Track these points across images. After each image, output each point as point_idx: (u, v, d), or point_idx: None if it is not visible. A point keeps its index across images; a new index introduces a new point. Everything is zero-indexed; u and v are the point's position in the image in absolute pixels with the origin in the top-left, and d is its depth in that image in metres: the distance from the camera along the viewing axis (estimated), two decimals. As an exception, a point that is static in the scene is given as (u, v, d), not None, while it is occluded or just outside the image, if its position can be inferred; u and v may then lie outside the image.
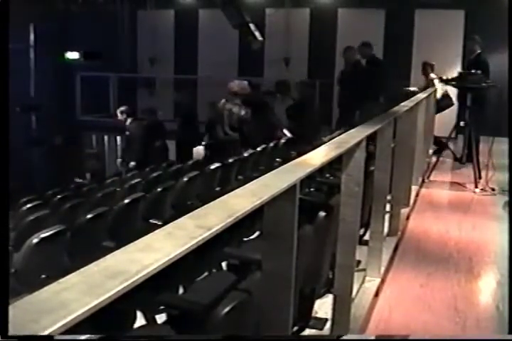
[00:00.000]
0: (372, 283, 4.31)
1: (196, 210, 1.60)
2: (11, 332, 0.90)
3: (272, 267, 2.10)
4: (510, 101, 7.50)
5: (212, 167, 7.00)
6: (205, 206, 1.65)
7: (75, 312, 0.97)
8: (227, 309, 1.99)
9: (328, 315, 3.68)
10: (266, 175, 2.11)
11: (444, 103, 10.88)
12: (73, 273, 1.11)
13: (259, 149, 8.55)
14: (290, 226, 2.03)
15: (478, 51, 9.75)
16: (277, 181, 1.99)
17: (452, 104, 10.97)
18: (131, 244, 1.29)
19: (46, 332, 0.90)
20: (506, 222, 5.70)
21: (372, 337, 3.70)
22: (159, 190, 6.04)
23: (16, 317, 0.96)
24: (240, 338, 2.22)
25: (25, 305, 1.00)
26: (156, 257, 1.21)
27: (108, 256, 1.22)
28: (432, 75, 11.03)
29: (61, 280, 1.08)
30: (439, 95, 10.64)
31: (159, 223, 5.35)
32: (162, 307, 3.28)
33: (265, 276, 2.15)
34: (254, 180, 2.01)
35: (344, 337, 3.45)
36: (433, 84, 10.75)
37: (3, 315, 1.33)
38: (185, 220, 1.51)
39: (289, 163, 2.37)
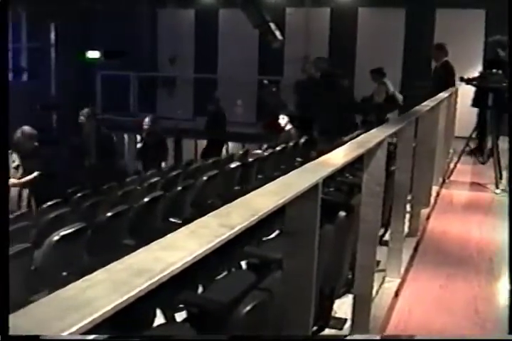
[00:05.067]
0: (392, 284, 4.30)
1: (219, 209, 1.60)
2: (35, 330, 0.90)
3: (293, 266, 2.09)
4: (510, 101, 7.43)
5: (232, 166, 7.01)
6: (228, 205, 1.65)
7: (101, 309, 0.97)
8: (248, 308, 1.99)
9: (348, 315, 3.67)
10: (288, 174, 2.10)
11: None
12: (98, 271, 1.12)
13: (278, 148, 8.55)
14: (312, 225, 2.03)
15: (499, 50, 9.68)
16: (300, 180, 1.99)
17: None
18: (155, 242, 1.30)
19: (72, 330, 0.90)
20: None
21: (378, 337, 3.69)
22: (179, 188, 6.06)
23: (41, 314, 0.96)
24: (250, 338, 2.22)
25: (51, 302, 1.00)
26: (180, 255, 1.21)
27: (132, 254, 1.22)
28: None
29: (86, 277, 1.08)
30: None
31: (179, 222, 5.37)
32: (181, 305, 3.29)
33: (286, 275, 2.15)
34: (277, 179, 2.01)
35: (350, 337, 3.44)
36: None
37: (4, 315, 1.34)
38: (208, 219, 1.51)
39: (310, 163, 2.37)
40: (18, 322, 0.94)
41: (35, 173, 8.00)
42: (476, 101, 9.44)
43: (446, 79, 10.65)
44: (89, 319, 0.94)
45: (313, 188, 1.98)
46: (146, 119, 11.51)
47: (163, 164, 11.30)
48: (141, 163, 11.52)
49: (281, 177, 2.05)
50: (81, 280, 1.07)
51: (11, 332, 0.91)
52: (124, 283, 1.07)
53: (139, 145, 11.74)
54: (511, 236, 4.55)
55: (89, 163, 9.92)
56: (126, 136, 16.19)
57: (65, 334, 0.90)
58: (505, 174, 7.79)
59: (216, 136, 12.82)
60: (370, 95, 12.26)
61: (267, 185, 1.91)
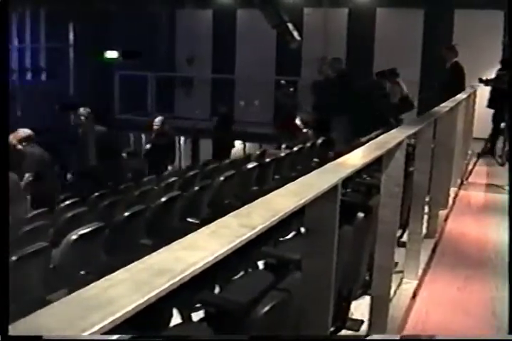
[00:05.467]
0: (409, 285, 4.28)
1: (239, 209, 1.60)
2: (57, 329, 0.91)
3: (312, 267, 2.09)
4: (510, 101, 7.39)
5: (249, 166, 7.01)
6: (248, 205, 1.65)
7: (123, 309, 0.97)
8: (266, 308, 1.99)
9: (364, 317, 3.66)
10: (307, 175, 2.10)
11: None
12: (119, 271, 1.12)
13: (296, 149, 8.55)
14: (331, 226, 2.02)
15: None
16: (319, 181, 1.98)
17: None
18: (176, 242, 1.30)
19: (94, 330, 0.90)
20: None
21: (398, 337, 3.67)
22: (196, 188, 6.07)
23: (63, 313, 0.96)
24: (269, 338, 2.22)
25: (73, 301, 1.01)
26: (201, 255, 1.21)
27: (153, 254, 1.22)
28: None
29: (107, 277, 1.08)
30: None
31: (196, 222, 5.38)
32: (198, 305, 3.29)
33: (305, 276, 2.14)
34: (297, 180, 2.00)
35: (370, 337, 3.43)
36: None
37: (4, 315, 1.34)
38: (228, 219, 1.51)
39: (330, 163, 2.36)
40: (40, 321, 0.94)
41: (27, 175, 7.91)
42: (491, 102, 9.41)
43: (455, 79, 10.62)
44: (111, 319, 0.94)
45: (333, 189, 1.98)
46: (157, 119, 11.41)
47: (169, 167, 11.10)
48: (147, 165, 11.38)
49: (300, 178, 2.04)
50: (102, 279, 1.08)
51: (33, 332, 0.92)
52: (146, 283, 1.07)
53: (147, 147, 11.59)
54: (511, 236, 4.53)
55: (87, 164, 9.83)
56: (143, 136, 16.25)
57: (86, 334, 0.90)
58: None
59: (223, 136, 12.74)
60: (385, 93, 12.21)
61: (286, 186, 1.91)
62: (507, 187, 7.39)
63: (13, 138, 7.89)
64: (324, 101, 11.56)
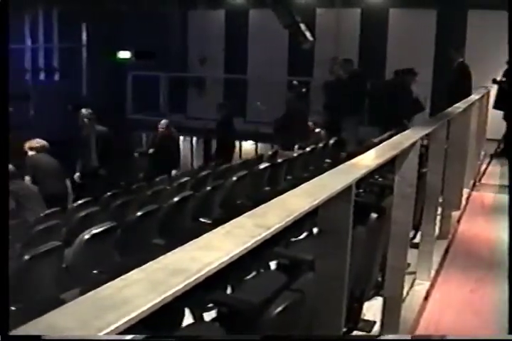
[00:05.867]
0: (421, 287, 4.27)
1: (254, 209, 1.60)
2: (73, 329, 0.91)
3: (325, 267, 2.09)
4: (510, 101, 7.34)
5: (261, 166, 7.01)
6: (263, 205, 1.65)
7: (139, 308, 0.97)
8: (279, 309, 1.99)
9: (377, 318, 3.65)
10: (321, 175, 2.10)
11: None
12: (134, 270, 1.12)
13: (308, 149, 8.54)
14: (345, 226, 2.02)
15: None
16: (333, 181, 1.98)
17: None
18: (191, 242, 1.30)
19: (110, 329, 0.90)
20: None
21: (409, 337, 3.66)
22: (208, 188, 6.07)
23: (78, 313, 0.97)
24: (283, 338, 2.22)
25: (88, 301, 1.01)
26: (216, 256, 1.21)
27: (168, 254, 1.22)
28: None
29: (123, 276, 1.08)
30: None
31: (208, 222, 5.38)
32: (210, 305, 3.29)
33: (318, 276, 2.14)
34: (311, 180, 2.00)
35: (381, 337, 3.43)
36: None
37: (4, 315, 1.34)
38: (243, 219, 1.51)
39: (343, 164, 2.36)
40: (56, 320, 0.94)
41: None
42: (498, 104, 9.36)
43: (461, 80, 10.59)
44: (126, 319, 0.94)
45: (347, 189, 1.97)
46: (162, 122, 11.25)
47: (173, 172, 10.86)
48: (151, 169, 11.11)
49: (314, 178, 2.04)
50: (117, 279, 1.08)
51: (48, 331, 0.92)
52: (161, 283, 1.08)
53: (151, 150, 11.34)
54: (511, 236, 4.51)
55: (89, 165, 9.79)
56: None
57: (101, 334, 0.91)
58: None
59: (224, 138, 12.61)
60: (410, 92, 12.16)
61: (301, 186, 1.90)
62: (507, 188, 7.38)
63: (26, 146, 8.39)
64: (335, 101, 11.56)
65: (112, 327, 0.91)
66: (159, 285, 1.07)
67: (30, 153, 8.38)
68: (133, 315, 0.96)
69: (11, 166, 7.10)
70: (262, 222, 1.46)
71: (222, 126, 12.17)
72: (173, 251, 1.24)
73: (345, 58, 12.89)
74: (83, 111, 10.42)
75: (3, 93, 2.53)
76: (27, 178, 7.99)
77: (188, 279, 1.10)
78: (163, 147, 11.07)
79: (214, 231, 1.41)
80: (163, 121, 11.32)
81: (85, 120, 10.21)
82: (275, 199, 1.71)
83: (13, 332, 0.93)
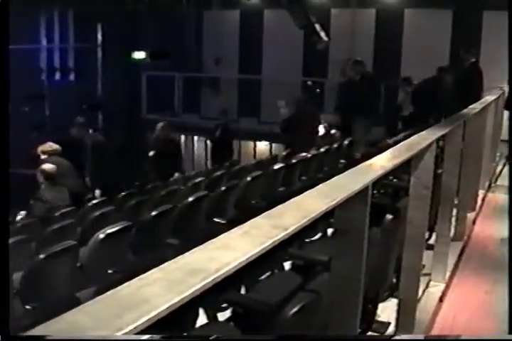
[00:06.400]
0: (436, 288, 4.25)
1: (271, 210, 1.60)
2: (93, 328, 0.91)
3: (341, 268, 2.09)
4: (510, 101, 7.29)
5: (276, 167, 7.01)
6: (280, 206, 1.65)
7: (158, 308, 0.97)
8: (295, 309, 1.99)
9: (391, 319, 3.64)
10: (338, 176, 2.10)
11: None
12: (153, 270, 1.12)
13: (322, 150, 8.52)
14: (361, 227, 2.02)
15: None
16: (350, 182, 1.98)
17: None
18: (208, 242, 1.30)
19: (129, 328, 0.91)
20: None
21: (423, 337, 3.65)
22: (223, 188, 6.07)
23: (98, 312, 0.97)
24: (299, 338, 2.21)
25: (108, 300, 1.01)
26: (234, 256, 1.22)
27: (186, 254, 1.22)
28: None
29: (141, 276, 1.09)
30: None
31: (223, 222, 5.39)
32: (225, 305, 3.29)
33: (333, 277, 2.14)
34: (327, 181, 2.00)
35: (396, 337, 3.42)
36: None
37: (4, 315, 1.34)
38: (260, 220, 1.51)
39: (360, 165, 2.36)
40: (76, 319, 0.95)
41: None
42: (509, 104, 9.32)
43: (471, 80, 10.55)
44: (146, 318, 0.94)
45: (363, 191, 1.97)
46: (158, 125, 10.99)
47: (176, 174, 10.56)
48: (151, 173, 10.89)
49: (331, 179, 2.04)
50: (136, 278, 1.08)
51: (68, 330, 0.92)
52: (180, 283, 1.08)
53: (150, 154, 10.98)
54: (511, 236, 4.47)
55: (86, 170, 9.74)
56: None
57: (120, 333, 0.91)
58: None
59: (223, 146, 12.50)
60: (397, 105, 12.25)
61: (317, 187, 1.90)
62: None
63: (39, 150, 8.48)
64: (345, 102, 11.55)
65: (132, 327, 0.92)
66: (178, 284, 1.07)
67: (43, 156, 8.42)
68: (152, 314, 0.96)
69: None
70: (279, 222, 1.47)
71: (222, 135, 12.10)
72: (191, 251, 1.24)
73: (356, 60, 12.87)
74: (78, 118, 10.34)
75: (3, 93, 2.54)
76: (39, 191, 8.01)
77: (206, 279, 1.10)
78: (162, 150, 10.77)
79: (231, 231, 1.41)
80: (160, 124, 11.04)
81: (74, 129, 10.12)
82: (292, 199, 1.71)
83: (31, 332, 0.93)
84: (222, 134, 12.14)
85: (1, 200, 2.62)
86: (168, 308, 0.99)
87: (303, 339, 2.20)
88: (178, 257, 1.20)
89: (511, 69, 8.17)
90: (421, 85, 11.65)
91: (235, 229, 1.42)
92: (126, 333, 0.90)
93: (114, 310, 0.96)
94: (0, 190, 2.66)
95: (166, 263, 1.17)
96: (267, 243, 1.32)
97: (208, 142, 13.95)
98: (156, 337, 1.24)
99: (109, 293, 1.02)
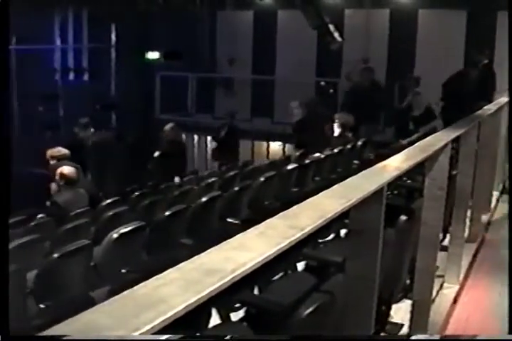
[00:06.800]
0: (450, 290, 4.24)
1: (286, 210, 1.60)
2: (112, 327, 0.91)
3: (356, 269, 2.08)
4: (510, 102, 7.24)
5: (289, 167, 7.00)
6: (295, 206, 1.65)
7: (175, 308, 0.98)
8: (310, 310, 1.99)
9: (404, 321, 3.64)
10: (353, 177, 2.09)
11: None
12: (170, 269, 1.12)
13: (336, 150, 8.51)
14: (376, 228, 2.02)
15: None
16: (365, 183, 1.98)
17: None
18: (225, 242, 1.30)
19: (147, 328, 0.91)
20: None
21: (438, 337, 3.64)
22: (236, 189, 6.08)
23: (116, 311, 0.97)
24: (314, 338, 2.21)
25: (125, 299, 1.01)
26: (250, 256, 1.22)
27: (203, 254, 1.23)
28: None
29: (159, 275, 1.09)
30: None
31: (237, 222, 5.39)
32: (237, 305, 3.30)
33: (348, 278, 2.14)
34: (342, 182, 2.00)
35: (413, 337, 3.41)
36: None
37: (4, 316, 1.34)
38: (276, 220, 1.51)
39: (375, 166, 2.35)
40: (94, 318, 0.95)
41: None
42: None
43: (484, 81, 10.50)
44: (164, 317, 0.95)
45: (379, 191, 1.97)
46: (167, 126, 10.91)
47: (176, 179, 10.31)
48: (154, 175, 10.72)
49: (346, 180, 2.04)
50: (153, 278, 1.08)
51: (86, 330, 0.92)
52: (197, 282, 1.08)
53: (155, 154, 10.90)
54: (511, 236, 4.45)
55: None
56: (183, 136, 16.33)
57: (138, 333, 0.91)
58: None
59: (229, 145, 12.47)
60: (405, 106, 12.22)
61: (333, 187, 1.90)
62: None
63: (48, 154, 8.47)
64: (351, 107, 11.56)
65: (149, 326, 0.92)
66: (195, 284, 1.07)
67: (52, 162, 8.40)
68: (169, 314, 0.96)
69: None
70: (294, 223, 1.47)
71: (228, 136, 12.10)
72: (207, 251, 1.24)
73: (367, 66, 12.95)
74: (82, 120, 10.29)
75: (3, 92, 2.55)
76: (53, 186, 8.01)
77: (223, 279, 1.10)
78: (168, 151, 10.71)
79: (247, 231, 1.41)
80: (169, 125, 10.97)
81: (76, 128, 10.08)
82: (307, 200, 1.71)
83: (48, 332, 0.93)
84: (227, 134, 12.15)
85: (1, 201, 2.63)
86: (185, 308, 0.99)
87: (319, 340, 2.19)
88: (195, 257, 1.20)
89: (510, 69, 8.13)
90: (448, 81, 11.64)
91: (251, 229, 1.42)
92: (143, 333, 0.90)
93: (131, 310, 0.97)
94: (0, 190, 2.67)
95: (182, 263, 1.17)
96: (283, 243, 1.32)
97: (212, 142, 13.88)
98: (175, 337, 1.24)
99: (125, 292, 1.02)
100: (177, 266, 1.15)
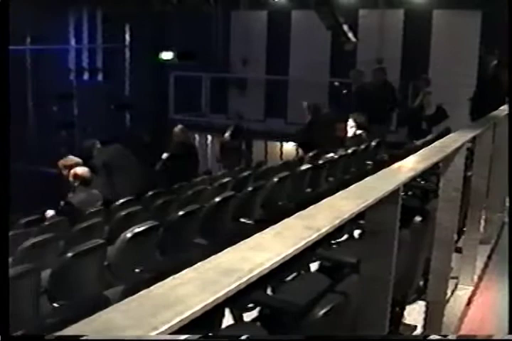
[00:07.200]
0: (464, 291, 4.21)
1: (302, 211, 1.59)
2: (129, 327, 0.91)
3: (370, 270, 2.08)
4: (510, 102, 7.20)
5: (303, 168, 6.99)
6: (311, 207, 1.65)
7: (193, 307, 0.98)
8: (324, 310, 1.98)
9: (417, 322, 3.63)
10: (369, 177, 2.09)
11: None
12: (187, 269, 1.12)
13: (349, 151, 8.49)
14: (391, 229, 2.01)
15: None
16: (381, 184, 1.97)
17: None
18: (241, 242, 1.30)
19: (165, 327, 0.91)
20: None
21: (455, 337, 3.62)
22: (249, 189, 6.07)
23: (133, 311, 0.97)
24: (329, 338, 2.21)
25: (142, 299, 1.01)
26: (267, 256, 1.21)
27: (220, 254, 1.22)
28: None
29: (176, 275, 1.09)
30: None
31: (250, 222, 5.39)
32: (251, 305, 3.29)
33: (363, 279, 2.13)
34: (358, 183, 1.99)
35: (430, 337, 3.40)
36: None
37: (4, 316, 1.35)
38: (292, 220, 1.51)
39: (390, 167, 2.35)
40: (111, 318, 0.95)
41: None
42: None
43: (497, 81, 10.47)
44: (181, 317, 0.95)
45: (394, 193, 1.96)
46: (176, 128, 10.69)
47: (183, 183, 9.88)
48: (162, 178, 10.41)
49: (362, 181, 2.03)
50: (170, 278, 1.08)
51: (103, 329, 0.92)
52: (214, 283, 1.08)
53: (164, 156, 10.63)
54: (511, 235, 4.42)
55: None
56: (197, 136, 16.36)
57: (155, 332, 0.91)
58: None
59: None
60: (416, 106, 12.20)
61: (348, 188, 1.90)
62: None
63: (60, 164, 8.23)
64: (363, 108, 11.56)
65: (167, 326, 0.92)
66: (212, 284, 1.07)
67: (65, 172, 8.03)
68: (187, 314, 0.96)
69: None
70: (311, 223, 1.46)
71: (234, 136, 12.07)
72: (224, 251, 1.24)
73: (379, 67, 12.94)
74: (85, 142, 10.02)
75: (3, 92, 2.56)
76: (70, 195, 7.94)
77: (240, 279, 1.10)
78: (177, 154, 10.49)
79: (264, 231, 1.41)
80: (178, 127, 10.74)
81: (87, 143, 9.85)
82: (323, 200, 1.71)
83: (64, 332, 0.93)
84: (231, 136, 12.13)
85: (1, 201, 2.64)
86: (202, 308, 0.99)
87: (336, 340, 2.19)
88: (211, 257, 1.20)
89: (510, 69, 8.11)
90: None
91: (268, 229, 1.42)
92: (160, 333, 0.90)
93: (148, 310, 0.97)
94: (0, 191, 2.68)
95: (199, 263, 1.17)
96: (300, 244, 1.31)
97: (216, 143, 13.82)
98: (194, 337, 1.24)
99: (142, 292, 1.02)
100: (194, 266, 1.15)
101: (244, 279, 1.11)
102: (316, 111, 11.96)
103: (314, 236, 1.38)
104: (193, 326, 1.61)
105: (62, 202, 7.62)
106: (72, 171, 7.61)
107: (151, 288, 1.05)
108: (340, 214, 1.57)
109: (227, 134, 12.17)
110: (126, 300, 1.00)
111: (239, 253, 1.23)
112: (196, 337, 1.26)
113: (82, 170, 7.61)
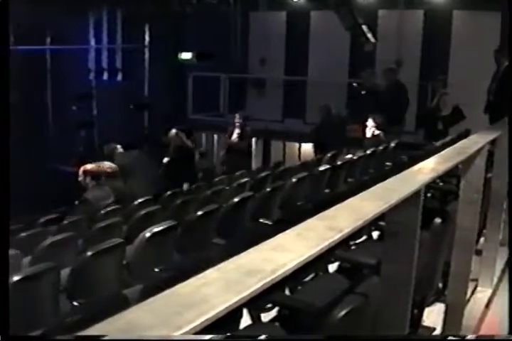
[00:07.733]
0: (483, 294, 4.19)
1: (324, 212, 1.59)
2: (154, 326, 0.92)
3: (391, 271, 2.07)
4: (510, 102, 7.13)
5: (321, 168, 6.99)
6: (333, 208, 1.65)
7: (217, 307, 0.98)
8: (344, 311, 1.98)
9: (436, 324, 3.61)
10: (389, 179, 2.08)
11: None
12: (210, 269, 1.13)
13: (368, 152, 8.47)
14: (412, 231, 2.00)
15: None
16: (402, 186, 1.97)
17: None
18: (264, 243, 1.30)
19: (190, 327, 0.91)
20: None
21: (474, 337, 3.61)
22: (268, 189, 6.08)
23: (157, 310, 0.98)
24: (349, 338, 2.21)
25: (166, 298, 1.02)
26: (290, 257, 1.22)
27: (242, 254, 1.23)
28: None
29: (200, 275, 1.09)
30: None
31: (268, 222, 5.39)
32: (269, 306, 3.29)
33: (383, 280, 2.13)
34: (379, 184, 1.99)
35: (450, 338, 3.39)
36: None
37: (4, 316, 1.35)
38: (314, 221, 1.51)
39: (411, 168, 2.34)
40: (136, 317, 0.96)
41: None
42: None
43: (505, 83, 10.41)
44: (207, 316, 0.95)
45: (416, 194, 1.96)
46: (171, 133, 10.72)
47: (184, 186, 10.10)
48: (163, 182, 10.32)
49: (383, 182, 2.03)
50: (194, 277, 1.09)
51: (128, 328, 0.93)
52: (237, 283, 1.08)
53: (165, 160, 10.71)
54: (511, 234, 4.38)
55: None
56: (215, 136, 16.40)
57: (180, 332, 0.91)
58: None
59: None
60: (433, 106, 12.15)
61: (369, 189, 1.90)
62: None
63: (80, 172, 8.03)
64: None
65: (192, 326, 0.92)
66: (235, 285, 1.08)
67: (81, 178, 7.93)
68: (211, 314, 0.97)
69: None
70: (333, 224, 1.46)
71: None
72: (246, 252, 1.24)
73: (390, 67, 12.91)
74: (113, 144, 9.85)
75: (3, 92, 2.57)
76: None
77: (264, 280, 1.10)
78: (176, 158, 10.61)
79: (285, 232, 1.41)
80: (173, 131, 10.80)
81: (108, 147, 9.69)
82: (345, 202, 1.71)
83: (88, 331, 0.93)
84: (238, 137, 12.16)
85: (1, 202, 2.65)
86: (226, 308, 1.00)
87: (356, 340, 2.19)
88: (234, 257, 1.20)
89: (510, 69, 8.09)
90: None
91: (289, 230, 1.42)
92: (185, 332, 0.91)
93: (173, 308, 0.97)
94: (0, 191, 2.69)
95: (222, 263, 1.17)
96: (322, 245, 1.32)
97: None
98: (218, 337, 1.25)
99: (167, 291, 1.03)
100: (217, 266, 1.15)
101: (268, 280, 1.11)
102: (325, 112, 11.99)
103: (337, 237, 1.38)
104: (213, 326, 1.62)
105: (76, 202, 7.62)
106: (81, 168, 7.63)
107: (175, 287, 1.05)
108: (361, 215, 1.57)
109: (234, 136, 12.20)
110: (151, 299, 1.01)
111: (261, 254, 1.24)
112: (220, 336, 1.26)
113: (90, 166, 7.62)
